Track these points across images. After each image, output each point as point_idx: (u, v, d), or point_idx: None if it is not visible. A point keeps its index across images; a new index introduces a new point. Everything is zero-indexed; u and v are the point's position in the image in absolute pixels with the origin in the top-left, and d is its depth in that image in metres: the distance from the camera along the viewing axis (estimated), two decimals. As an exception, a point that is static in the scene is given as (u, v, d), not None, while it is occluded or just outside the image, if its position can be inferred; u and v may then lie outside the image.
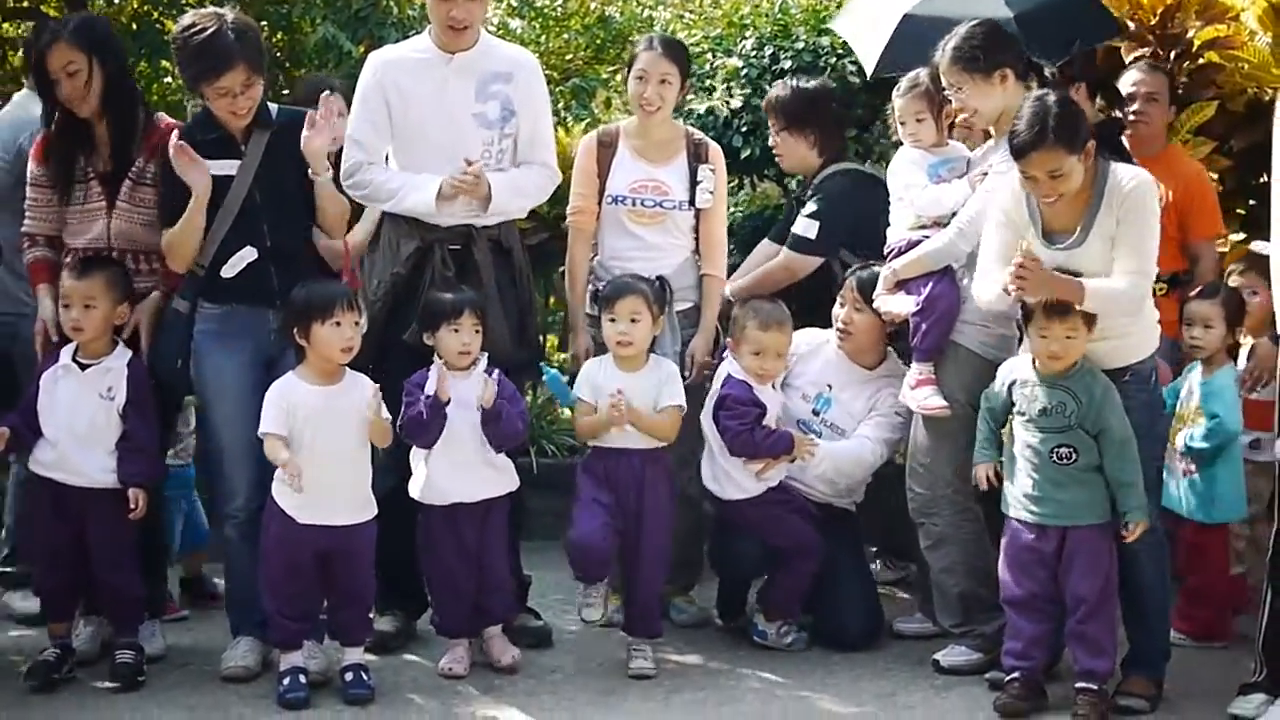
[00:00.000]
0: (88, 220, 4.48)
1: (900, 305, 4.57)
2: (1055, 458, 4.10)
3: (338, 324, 4.15)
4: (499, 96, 4.58)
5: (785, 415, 4.72)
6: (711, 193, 4.85)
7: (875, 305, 4.66)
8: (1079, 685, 4.11)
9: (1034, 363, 4.19)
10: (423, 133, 4.56)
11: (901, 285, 4.59)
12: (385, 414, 4.23)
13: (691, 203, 4.84)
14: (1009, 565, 4.20)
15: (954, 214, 4.51)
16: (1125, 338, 4.15)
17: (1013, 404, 4.21)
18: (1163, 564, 4.22)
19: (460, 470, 4.37)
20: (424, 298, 4.48)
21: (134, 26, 6.76)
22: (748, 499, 4.65)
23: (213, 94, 4.28)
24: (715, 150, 4.95)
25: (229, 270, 4.36)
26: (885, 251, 4.70)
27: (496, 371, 4.38)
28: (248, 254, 4.35)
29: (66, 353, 4.34)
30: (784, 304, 4.78)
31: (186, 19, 4.31)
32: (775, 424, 4.63)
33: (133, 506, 4.27)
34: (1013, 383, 4.22)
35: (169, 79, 7.56)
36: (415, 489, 4.41)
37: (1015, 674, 4.16)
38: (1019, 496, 4.17)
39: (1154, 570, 4.19)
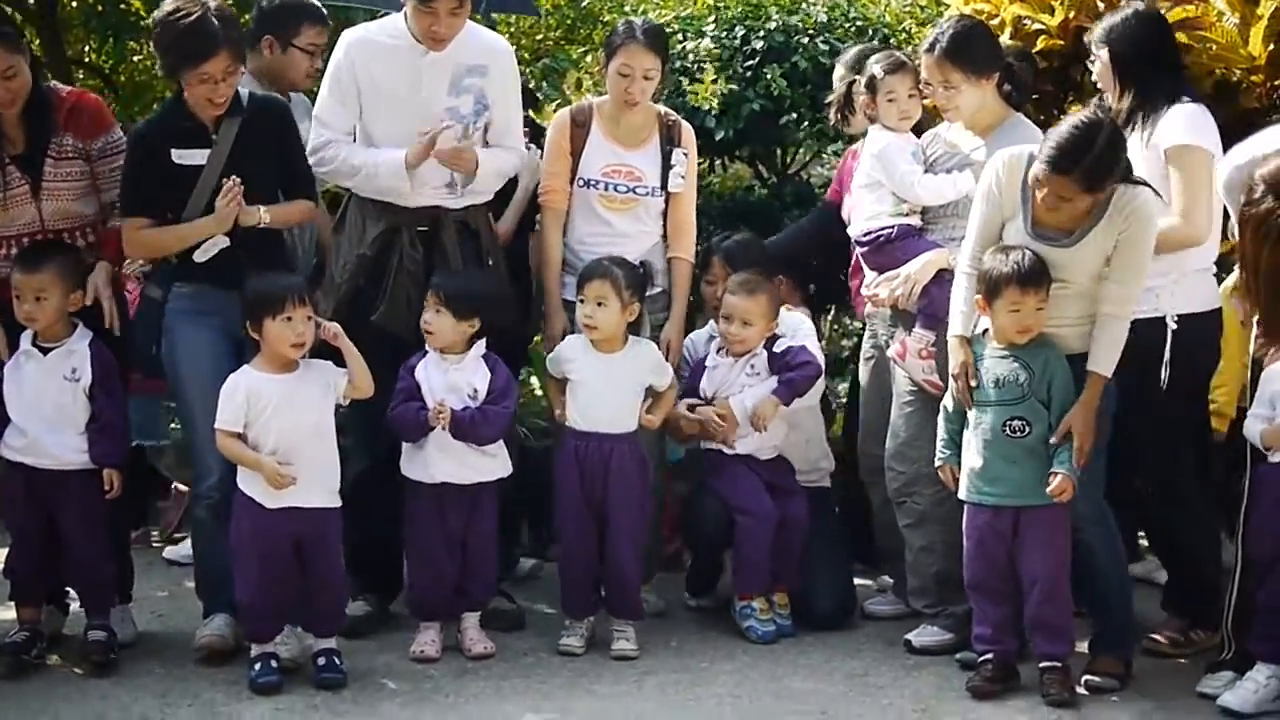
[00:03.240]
0: (14, 206, 4.42)
1: (884, 292, 4.58)
2: (1008, 431, 4.11)
3: (288, 319, 4.14)
4: (473, 90, 4.54)
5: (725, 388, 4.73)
6: (684, 177, 4.82)
7: (869, 293, 4.67)
8: (1043, 665, 4.14)
9: (985, 335, 4.20)
10: (394, 123, 4.52)
11: (879, 268, 4.61)
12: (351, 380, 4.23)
13: (664, 187, 4.80)
14: (969, 549, 4.22)
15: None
16: (1078, 325, 4.16)
17: None
18: (1115, 547, 4.25)
19: (450, 452, 4.38)
20: (394, 279, 4.48)
21: (99, 8, 6.69)
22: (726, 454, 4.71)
23: (194, 80, 4.24)
24: (688, 132, 4.91)
25: (201, 256, 4.35)
26: (864, 235, 4.69)
27: (487, 370, 4.41)
28: (219, 241, 4.34)
29: (26, 338, 4.32)
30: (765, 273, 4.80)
31: (169, 3, 4.27)
32: (707, 396, 4.72)
33: (108, 487, 4.29)
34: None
35: (134, 58, 7.49)
36: (405, 465, 4.43)
37: (988, 655, 4.18)
38: (974, 479, 4.18)
39: (1107, 554, 4.22)
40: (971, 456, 4.19)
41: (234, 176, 4.25)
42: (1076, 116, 4.05)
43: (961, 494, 4.23)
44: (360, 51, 4.54)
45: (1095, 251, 4.07)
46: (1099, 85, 4.55)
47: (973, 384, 4.16)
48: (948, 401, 4.29)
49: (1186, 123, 4.32)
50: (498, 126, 4.62)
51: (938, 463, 4.31)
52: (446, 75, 4.52)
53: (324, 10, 5.08)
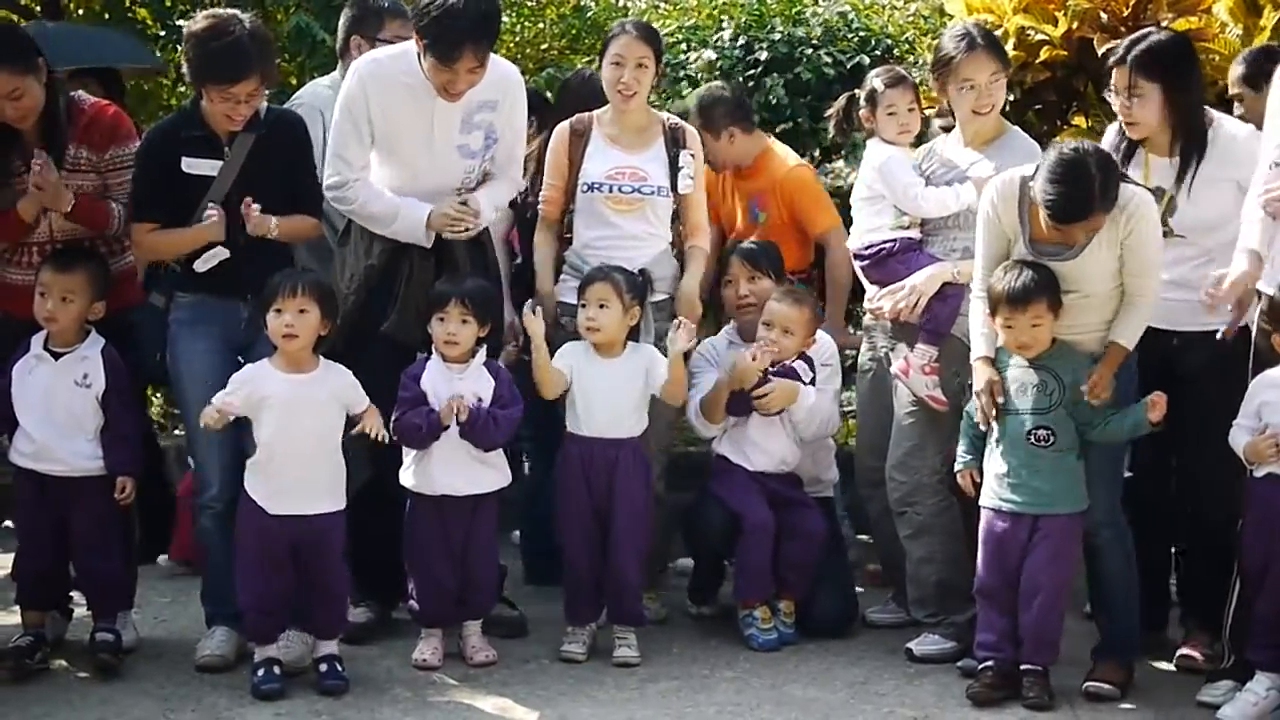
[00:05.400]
0: None
1: (888, 304, 4.59)
2: (1034, 440, 4.12)
3: (278, 311, 4.16)
4: (483, 126, 4.53)
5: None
6: (692, 178, 4.81)
7: (872, 306, 4.66)
8: (1025, 668, 4.15)
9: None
10: (403, 159, 4.51)
11: (882, 282, 4.62)
12: (360, 405, 4.21)
13: (674, 189, 4.78)
14: (984, 555, 4.22)
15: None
16: (1101, 330, 4.19)
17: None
18: (1127, 553, 4.25)
19: (451, 463, 4.38)
20: (404, 289, 4.50)
21: (106, 15, 6.73)
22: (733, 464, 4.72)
23: (218, 97, 4.26)
24: (693, 135, 4.89)
25: (201, 266, 4.37)
26: (865, 249, 4.69)
27: (490, 378, 4.40)
28: (220, 253, 4.35)
29: (37, 341, 4.33)
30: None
31: (205, 18, 4.29)
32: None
33: (120, 493, 4.30)
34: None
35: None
36: (405, 477, 4.43)
37: (989, 663, 4.19)
38: (994, 485, 4.20)
39: (1118, 559, 4.23)
40: (995, 463, 4.20)
41: (217, 207, 4.28)
42: (1058, 159, 3.95)
43: (981, 500, 4.24)
44: (374, 86, 4.48)
45: (1101, 259, 4.10)
46: (1135, 120, 4.35)
47: (999, 400, 4.17)
48: (970, 408, 4.30)
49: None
50: (500, 157, 4.62)
51: (958, 468, 4.32)
52: (459, 114, 4.49)
53: (403, 4, 5.03)
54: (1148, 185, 4.24)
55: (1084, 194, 3.94)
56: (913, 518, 4.59)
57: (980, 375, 4.23)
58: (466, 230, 4.48)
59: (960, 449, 4.33)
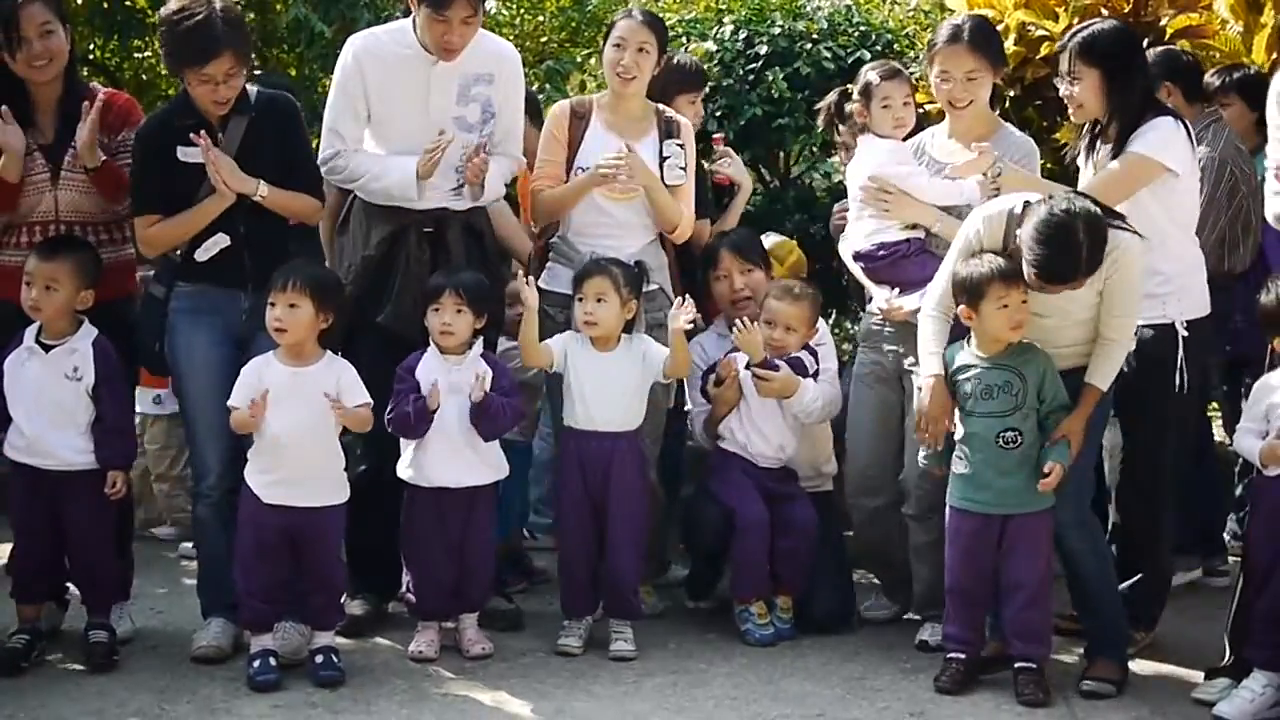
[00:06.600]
0: (34, 194, 4.43)
1: (909, 303, 4.54)
2: (1001, 442, 4.12)
3: (271, 304, 4.16)
4: (480, 99, 4.53)
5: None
6: (682, 168, 4.75)
7: (886, 307, 4.58)
8: (1019, 665, 4.17)
9: (975, 347, 4.18)
10: (401, 132, 4.51)
11: (895, 284, 4.59)
12: (357, 399, 4.22)
13: (661, 179, 4.73)
14: (953, 555, 4.23)
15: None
16: (1083, 344, 4.18)
17: (954, 392, 4.20)
18: (1100, 552, 4.27)
19: (448, 456, 4.38)
20: (401, 280, 4.48)
21: (105, 4, 6.72)
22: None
23: (195, 80, 4.25)
24: (686, 127, 4.86)
25: (202, 255, 4.37)
26: (877, 249, 4.62)
27: (488, 368, 4.39)
28: (220, 240, 4.35)
29: (30, 334, 4.31)
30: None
31: (174, 2, 4.28)
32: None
33: (111, 487, 4.29)
34: (955, 370, 4.20)
35: (139, 55, 7.52)
36: (402, 469, 4.42)
37: (959, 655, 4.22)
38: (961, 486, 4.20)
39: (1095, 562, 4.24)
40: (961, 464, 4.20)
41: (202, 132, 4.26)
42: (1043, 220, 3.90)
43: (949, 499, 4.24)
44: (369, 60, 4.50)
45: (1082, 295, 4.07)
46: (1077, 104, 4.41)
47: (953, 429, 4.19)
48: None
49: (1156, 137, 4.28)
50: (500, 132, 4.61)
51: (925, 463, 4.29)
52: (454, 85, 4.50)
53: None
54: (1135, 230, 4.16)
55: (1071, 259, 3.91)
56: (940, 523, 4.41)
57: (937, 399, 4.21)
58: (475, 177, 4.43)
59: (924, 450, 4.29)
